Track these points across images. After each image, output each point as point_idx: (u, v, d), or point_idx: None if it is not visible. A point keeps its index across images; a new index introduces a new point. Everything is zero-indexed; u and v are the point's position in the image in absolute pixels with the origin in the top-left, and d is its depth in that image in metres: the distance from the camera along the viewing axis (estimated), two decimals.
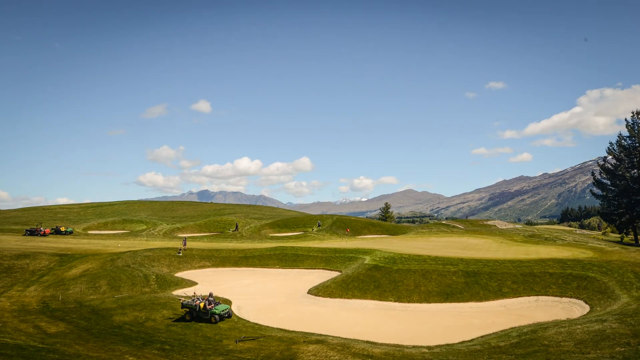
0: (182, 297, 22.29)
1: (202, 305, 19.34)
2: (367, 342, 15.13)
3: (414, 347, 14.44)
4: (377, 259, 31.06)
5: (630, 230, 59.65)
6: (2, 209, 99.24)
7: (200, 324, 18.83)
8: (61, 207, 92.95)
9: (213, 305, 19.74)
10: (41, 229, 49.99)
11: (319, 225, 66.14)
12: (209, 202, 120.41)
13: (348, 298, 25.41)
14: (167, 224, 64.47)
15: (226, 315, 19.82)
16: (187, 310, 19.61)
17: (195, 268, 34.83)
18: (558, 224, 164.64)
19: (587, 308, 20.62)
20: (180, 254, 36.44)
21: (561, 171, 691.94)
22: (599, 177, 60.48)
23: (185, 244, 41.53)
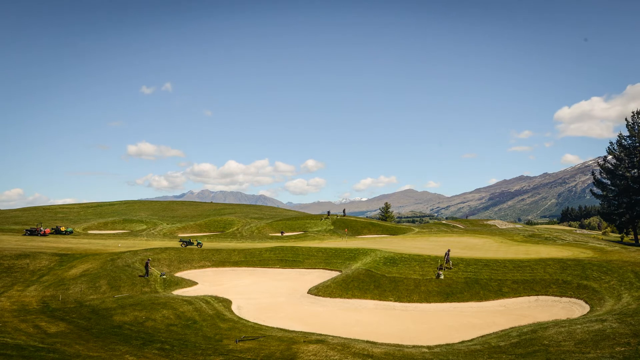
0: None
1: None
2: (367, 341, 15.10)
3: (414, 347, 14.43)
4: (377, 258, 31.06)
5: (630, 230, 59.68)
6: (2, 209, 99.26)
7: (201, 323, 18.82)
8: (61, 207, 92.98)
9: None
10: (41, 228, 49.93)
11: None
12: (209, 202, 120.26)
13: (348, 298, 25.42)
14: (167, 224, 64.48)
15: None
16: None
17: (195, 268, 34.85)
18: (558, 223, 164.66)
19: (587, 308, 20.62)
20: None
21: (561, 171, 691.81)
22: (599, 176, 60.51)
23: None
